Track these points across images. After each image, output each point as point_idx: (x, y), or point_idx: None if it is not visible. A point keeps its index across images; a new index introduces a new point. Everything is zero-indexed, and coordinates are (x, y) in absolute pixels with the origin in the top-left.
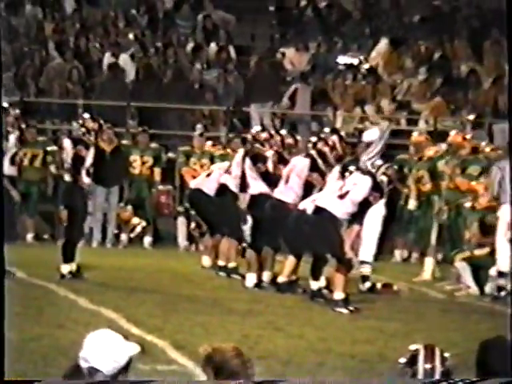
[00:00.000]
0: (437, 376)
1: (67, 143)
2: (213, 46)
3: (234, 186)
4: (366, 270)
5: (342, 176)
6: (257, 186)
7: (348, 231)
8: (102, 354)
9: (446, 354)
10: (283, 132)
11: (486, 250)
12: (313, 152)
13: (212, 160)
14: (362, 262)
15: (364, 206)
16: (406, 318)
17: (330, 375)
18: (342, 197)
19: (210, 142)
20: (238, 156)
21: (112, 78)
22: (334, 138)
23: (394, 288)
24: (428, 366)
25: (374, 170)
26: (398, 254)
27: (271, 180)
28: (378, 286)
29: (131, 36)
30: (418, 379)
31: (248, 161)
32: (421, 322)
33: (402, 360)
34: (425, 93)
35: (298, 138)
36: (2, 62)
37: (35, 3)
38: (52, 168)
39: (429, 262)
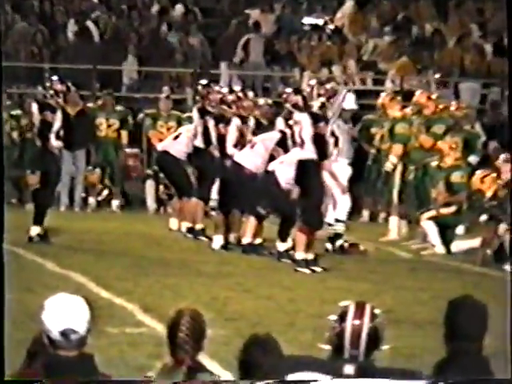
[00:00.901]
0: (364, 333)
1: (34, 108)
2: (179, 6)
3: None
4: (339, 228)
5: None
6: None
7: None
8: (73, 315)
9: (377, 311)
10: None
11: (453, 208)
12: (285, 129)
13: (179, 123)
14: (337, 221)
15: (319, 141)
16: (374, 277)
17: (300, 336)
18: (301, 145)
19: None
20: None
21: (78, 42)
22: (298, 98)
23: (360, 248)
24: (356, 322)
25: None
26: (366, 214)
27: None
28: (346, 245)
29: None
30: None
31: (211, 121)
32: (389, 282)
33: (333, 317)
34: (391, 53)
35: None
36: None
37: None
38: (15, 133)
39: (393, 221)
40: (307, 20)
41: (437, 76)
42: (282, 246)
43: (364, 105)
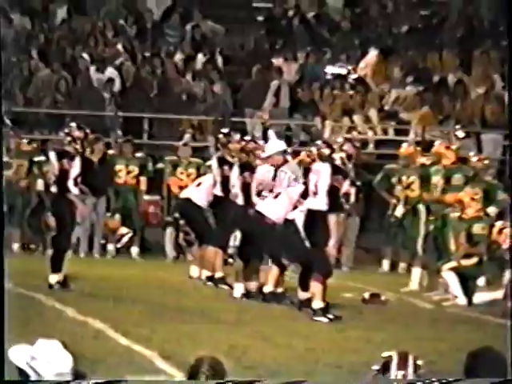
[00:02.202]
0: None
1: (52, 156)
2: (200, 56)
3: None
4: None
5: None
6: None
7: (329, 224)
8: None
9: (420, 362)
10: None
11: (474, 259)
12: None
13: (199, 169)
14: None
15: (334, 194)
16: (394, 328)
17: None
18: (314, 194)
19: None
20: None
21: (100, 90)
22: (326, 150)
23: (381, 298)
24: (401, 373)
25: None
26: (386, 264)
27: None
28: (366, 295)
29: (119, 46)
30: (390, 379)
31: (236, 169)
32: (409, 332)
33: (375, 367)
34: (413, 103)
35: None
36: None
37: (24, 13)
38: (39, 179)
39: (416, 272)
40: (330, 69)
41: (458, 127)
42: (303, 295)
43: (385, 154)
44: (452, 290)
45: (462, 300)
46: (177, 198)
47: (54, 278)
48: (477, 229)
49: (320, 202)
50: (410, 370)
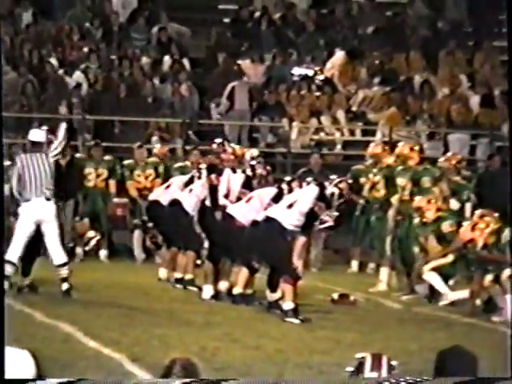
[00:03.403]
0: None
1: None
2: (167, 58)
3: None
4: None
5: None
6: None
7: (296, 242)
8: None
9: (394, 363)
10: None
11: (450, 258)
12: (284, 190)
13: (156, 169)
14: None
15: (311, 217)
16: (363, 328)
17: None
18: (290, 206)
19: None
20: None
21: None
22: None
23: (350, 298)
24: (374, 374)
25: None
26: (355, 264)
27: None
28: (335, 296)
29: (86, 49)
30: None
31: (204, 171)
32: (378, 332)
33: (349, 369)
34: (380, 103)
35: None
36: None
37: None
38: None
39: (384, 272)
40: (297, 70)
41: (424, 127)
42: (271, 297)
43: (353, 155)
44: (439, 289)
45: (452, 295)
46: (144, 200)
47: (23, 282)
48: (446, 227)
49: (289, 218)
50: (384, 370)
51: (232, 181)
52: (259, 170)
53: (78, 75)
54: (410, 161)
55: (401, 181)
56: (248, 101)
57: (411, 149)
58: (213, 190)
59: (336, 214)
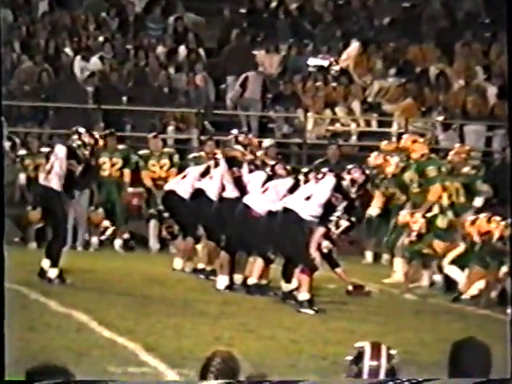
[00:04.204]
0: (382, 374)
1: (61, 152)
2: (182, 48)
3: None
4: None
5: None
6: (231, 190)
7: (313, 233)
8: None
9: (393, 352)
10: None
11: (462, 247)
12: (301, 181)
13: (171, 159)
14: None
15: (328, 207)
16: (378, 319)
17: (302, 376)
18: (308, 198)
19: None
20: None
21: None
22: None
23: (364, 289)
24: (373, 363)
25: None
26: (369, 255)
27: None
28: (350, 287)
29: (101, 39)
30: (364, 379)
31: (224, 164)
32: (392, 324)
33: (349, 357)
34: (396, 94)
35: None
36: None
37: (5, 6)
38: (21, 173)
39: (398, 262)
40: (312, 61)
41: (440, 118)
42: (286, 287)
43: (368, 146)
44: (459, 282)
45: (472, 290)
46: (159, 190)
47: (53, 272)
48: (442, 223)
49: (307, 209)
50: (384, 360)
51: (252, 181)
52: (280, 171)
53: (93, 64)
54: (413, 153)
55: (407, 175)
56: (260, 91)
57: (414, 141)
58: (236, 181)
59: (346, 218)
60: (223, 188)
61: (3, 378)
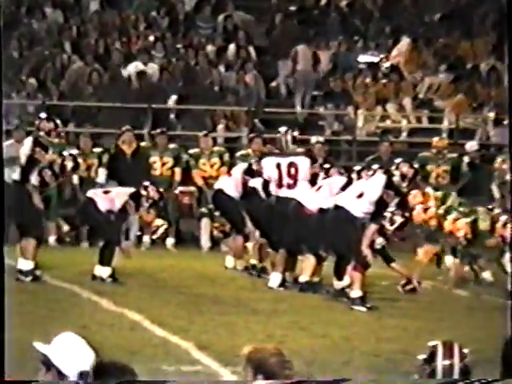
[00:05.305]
0: (456, 372)
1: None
2: (232, 46)
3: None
4: None
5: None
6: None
7: (366, 230)
8: (87, 356)
9: (465, 350)
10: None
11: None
12: (354, 179)
13: (221, 158)
14: None
15: (380, 204)
16: (430, 316)
17: (355, 374)
18: (359, 196)
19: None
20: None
21: (135, 83)
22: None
23: (416, 286)
24: (446, 362)
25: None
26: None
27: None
28: (402, 283)
29: (151, 38)
30: (437, 379)
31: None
32: (445, 320)
33: (421, 357)
34: (447, 90)
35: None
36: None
37: (56, 6)
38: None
39: (450, 260)
40: (362, 58)
41: (491, 114)
42: (338, 284)
43: (419, 143)
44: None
45: None
46: (210, 189)
47: (106, 272)
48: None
49: (359, 206)
50: (456, 359)
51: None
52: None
53: (142, 63)
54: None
55: None
56: (312, 64)
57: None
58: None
59: (400, 214)
60: (280, 185)
61: (3, 378)
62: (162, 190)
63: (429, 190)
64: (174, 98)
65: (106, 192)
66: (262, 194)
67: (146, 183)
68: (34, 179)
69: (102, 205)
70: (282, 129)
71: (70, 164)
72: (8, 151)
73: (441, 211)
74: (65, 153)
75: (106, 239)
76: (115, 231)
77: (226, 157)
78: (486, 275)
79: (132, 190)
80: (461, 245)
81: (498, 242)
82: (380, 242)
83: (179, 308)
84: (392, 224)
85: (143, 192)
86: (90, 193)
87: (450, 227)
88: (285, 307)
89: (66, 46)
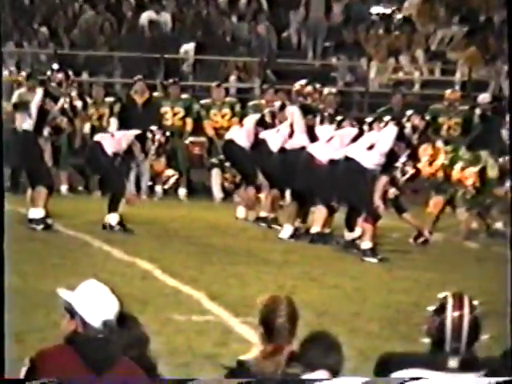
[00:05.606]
0: (465, 324)
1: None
2: None
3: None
4: None
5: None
6: (300, 139)
7: (377, 182)
8: (113, 305)
9: (475, 302)
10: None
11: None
12: (365, 131)
13: (233, 109)
14: None
15: (391, 156)
16: (441, 267)
17: (366, 325)
18: (370, 148)
19: None
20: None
21: (148, 32)
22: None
23: (427, 237)
24: (456, 313)
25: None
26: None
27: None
28: (413, 235)
29: None
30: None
31: (298, 112)
32: (456, 272)
33: (431, 308)
34: (459, 43)
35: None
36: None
37: None
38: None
39: (461, 212)
40: (375, 9)
41: (504, 66)
42: (349, 235)
43: (431, 95)
44: None
45: None
46: (221, 139)
47: (114, 219)
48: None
49: (369, 158)
50: (466, 310)
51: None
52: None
53: (154, 13)
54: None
55: None
56: (324, 10)
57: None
58: (309, 130)
59: (412, 165)
60: (291, 136)
61: (3, 376)
62: (168, 134)
63: (439, 143)
64: (186, 47)
65: (113, 135)
66: (272, 146)
67: (153, 127)
68: (45, 130)
69: (109, 147)
70: (302, 81)
71: (79, 103)
72: (20, 98)
73: (446, 161)
74: (73, 94)
75: (110, 187)
76: (120, 179)
77: (238, 107)
78: (499, 225)
79: (138, 131)
80: (470, 193)
81: (506, 192)
82: (393, 191)
83: (190, 258)
84: (403, 175)
85: (149, 135)
86: (98, 136)
87: (457, 176)
88: (296, 258)
89: None
